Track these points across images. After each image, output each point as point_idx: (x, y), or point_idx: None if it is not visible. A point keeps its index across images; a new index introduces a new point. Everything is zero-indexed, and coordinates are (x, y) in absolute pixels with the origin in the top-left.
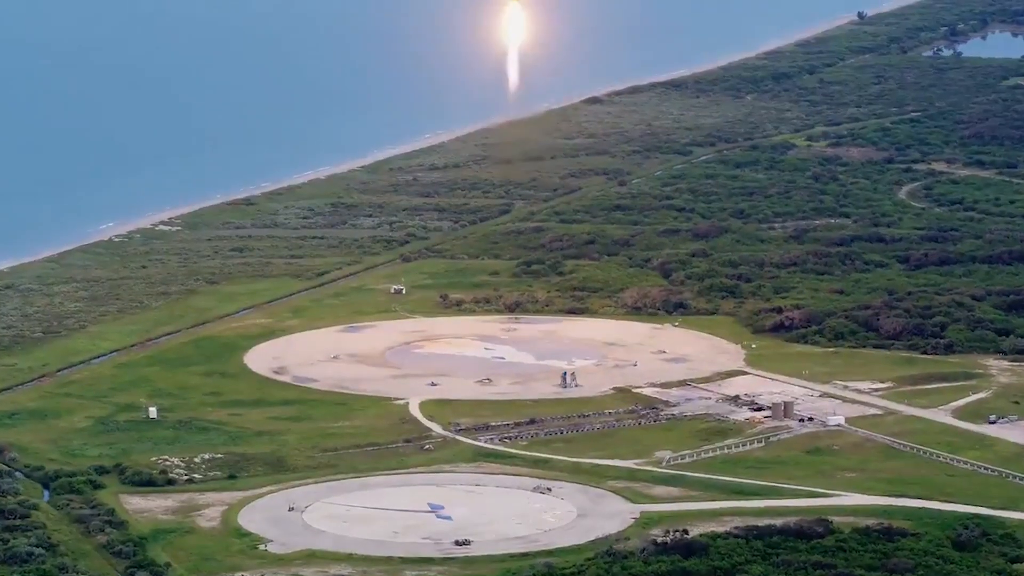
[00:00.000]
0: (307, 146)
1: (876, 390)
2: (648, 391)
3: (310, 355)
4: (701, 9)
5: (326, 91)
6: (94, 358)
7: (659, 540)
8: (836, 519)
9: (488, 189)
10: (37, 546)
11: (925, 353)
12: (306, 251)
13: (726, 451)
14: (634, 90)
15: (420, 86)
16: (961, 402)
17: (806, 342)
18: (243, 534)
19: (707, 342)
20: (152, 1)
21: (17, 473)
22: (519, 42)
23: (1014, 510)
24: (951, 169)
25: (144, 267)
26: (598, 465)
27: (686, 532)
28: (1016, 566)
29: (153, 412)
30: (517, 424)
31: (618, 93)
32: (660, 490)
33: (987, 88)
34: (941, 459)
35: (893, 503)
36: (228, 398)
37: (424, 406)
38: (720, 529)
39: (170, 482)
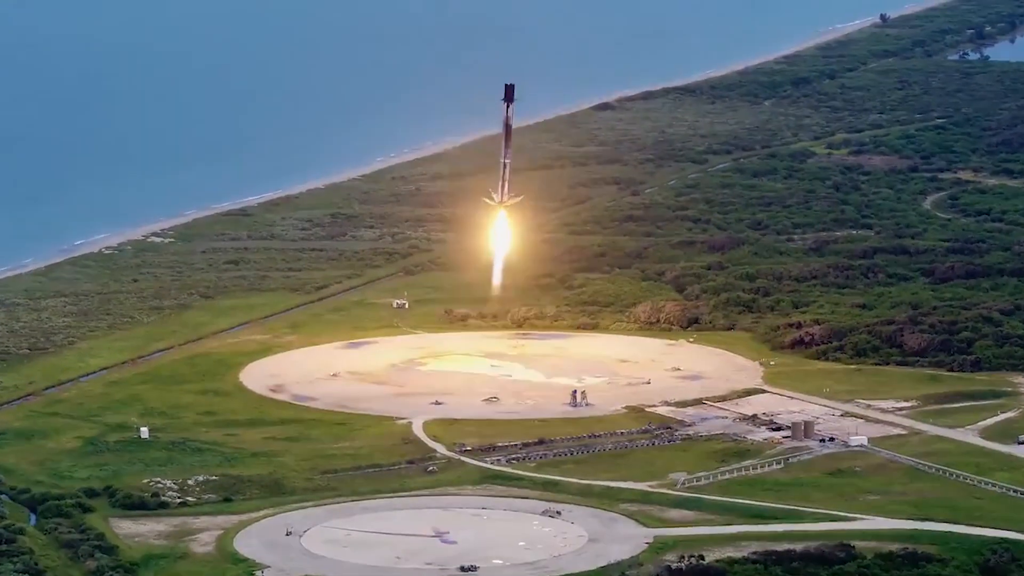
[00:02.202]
0: (305, 154)
1: (900, 409)
2: (662, 410)
3: (309, 372)
4: (717, 11)
5: (325, 97)
6: (83, 376)
7: (674, 566)
8: (858, 544)
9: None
10: (24, 572)
11: (951, 370)
12: (304, 264)
13: (744, 473)
14: (647, 96)
15: (423, 91)
16: (989, 421)
17: (827, 359)
18: (239, 560)
19: (723, 359)
20: (142, 4)
21: (2, 496)
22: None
23: None
24: (978, 178)
25: (135, 280)
26: (610, 487)
27: (702, 557)
28: None
29: (145, 432)
30: (525, 445)
31: (630, 99)
32: (675, 513)
33: (1016, 93)
34: (968, 481)
35: (918, 527)
36: (223, 417)
37: (428, 426)
38: (737, 554)
39: (163, 505)
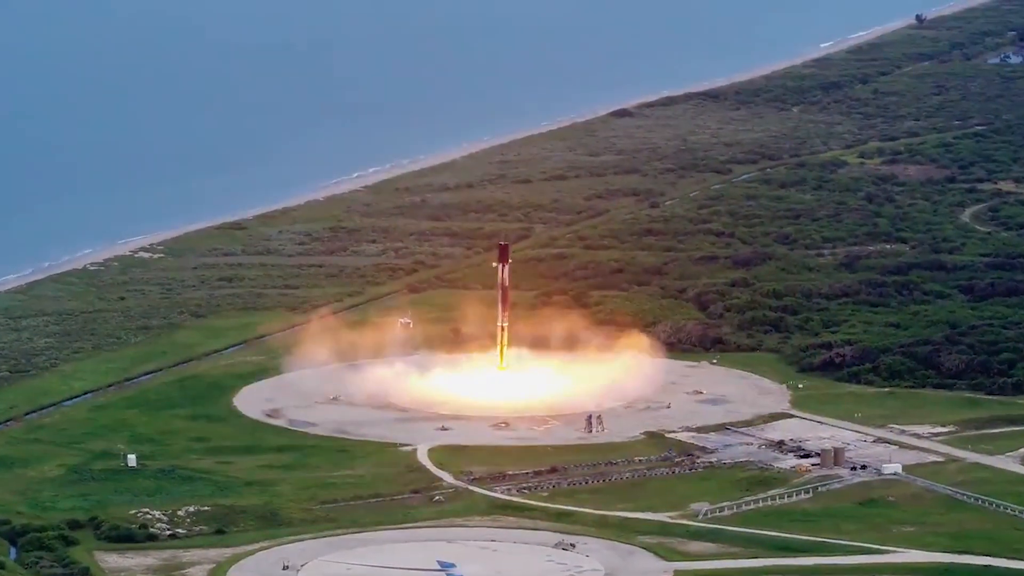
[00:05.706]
0: (303, 164)
1: (936, 435)
2: (683, 436)
3: (307, 396)
4: (741, 12)
5: (325, 102)
6: (67, 400)
7: None
8: None
9: (505, 211)
10: None
11: (991, 393)
12: (302, 281)
13: (770, 502)
14: (667, 101)
15: (429, 96)
16: None
17: (858, 381)
18: None
19: (748, 382)
20: (134, 8)
21: None
22: None
23: None
24: (1020, 189)
25: (122, 298)
26: (627, 518)
27: None
28: None
29: (132, 460)
30: (537, 473)
31: (649, 105)
32: (696, 546)
33: None
34: (1009, 511)
35: (955, 560)
36: (215, 444)
37: (433, 453)
38: None
39: (151, 537)
